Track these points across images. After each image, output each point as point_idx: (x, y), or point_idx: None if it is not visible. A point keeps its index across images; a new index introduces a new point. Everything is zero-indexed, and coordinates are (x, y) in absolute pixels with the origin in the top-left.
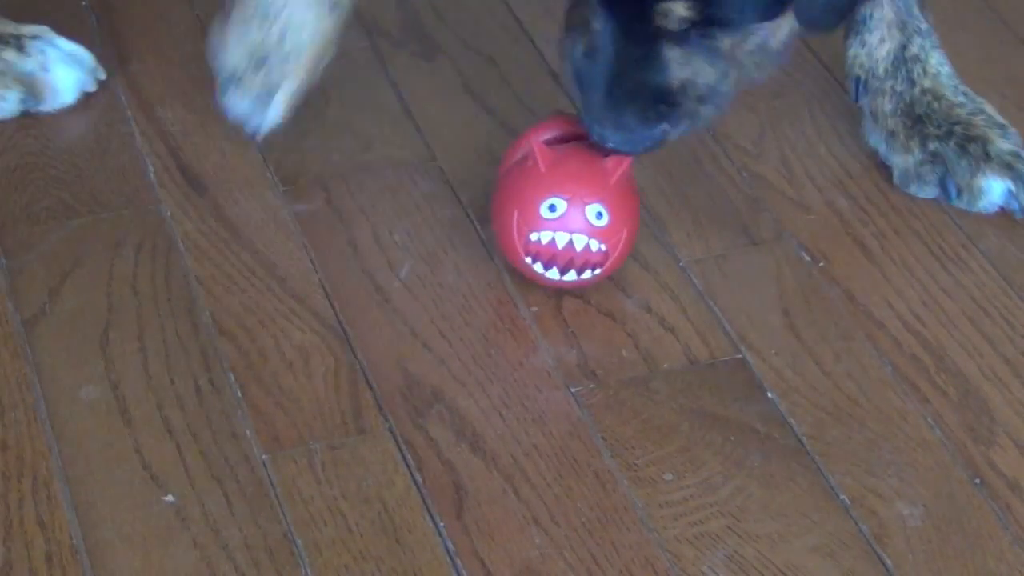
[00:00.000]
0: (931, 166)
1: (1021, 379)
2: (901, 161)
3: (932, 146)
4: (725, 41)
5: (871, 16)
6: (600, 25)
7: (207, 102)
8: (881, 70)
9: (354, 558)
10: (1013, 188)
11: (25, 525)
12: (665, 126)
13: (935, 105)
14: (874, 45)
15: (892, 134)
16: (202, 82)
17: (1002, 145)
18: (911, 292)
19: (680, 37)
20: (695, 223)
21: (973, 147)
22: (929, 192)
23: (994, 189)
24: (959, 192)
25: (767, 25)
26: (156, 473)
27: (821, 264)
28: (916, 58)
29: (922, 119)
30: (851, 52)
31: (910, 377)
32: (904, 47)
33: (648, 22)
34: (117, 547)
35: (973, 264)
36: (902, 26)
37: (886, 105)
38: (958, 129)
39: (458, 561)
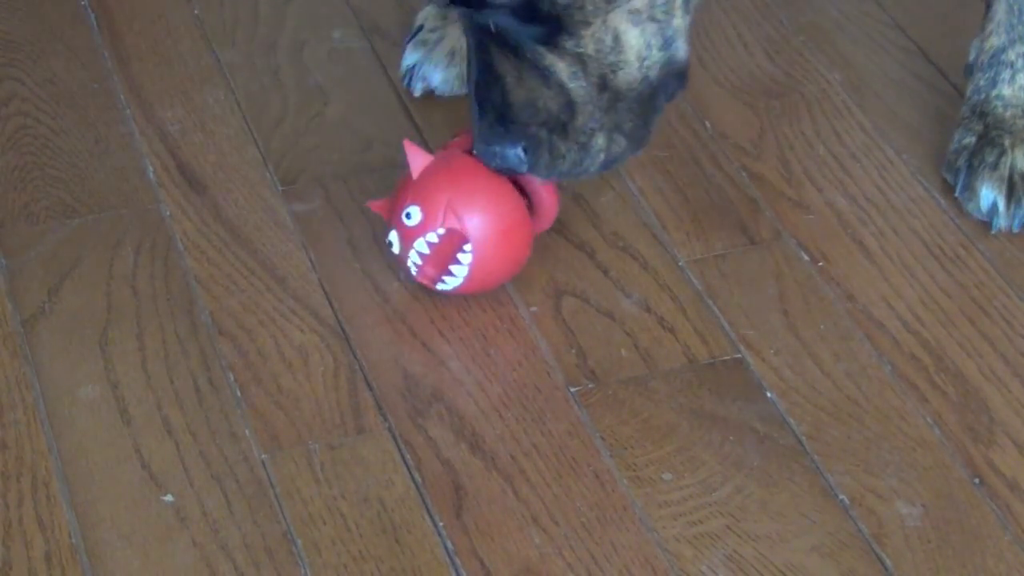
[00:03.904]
0: (956, 156)
1: (1021, 379)
2: (950, 145)
3: (966, 140)
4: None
5: (989, 7)
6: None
7: (207, 102)
8: (980, 62)
9: (353, 558)
10: (1000, 204)
11: (24, 525)
12: (519, 150)
13: (1000, 111)
14: (986, 36)
15: (958, 119)
16: (202, 82)
17: (1019, 162)
18: (910, 292)
19: (512, 47)
20: (694, 223)
21: (988, 152)
22: (950, 179)
23: (983, 197)
24: (964, 188)
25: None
26: (155, 473)
27: (820, 264)
28: (1010, 64)
29: (981, 116)
30: (978, 34)
31: (909, 377)
32: (1004, 50)
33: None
34: (116, 547)
35: (973, 264)
36: (1009, 28)
37: (967, 93)
38: (992, 133)
39: (457, 561)
